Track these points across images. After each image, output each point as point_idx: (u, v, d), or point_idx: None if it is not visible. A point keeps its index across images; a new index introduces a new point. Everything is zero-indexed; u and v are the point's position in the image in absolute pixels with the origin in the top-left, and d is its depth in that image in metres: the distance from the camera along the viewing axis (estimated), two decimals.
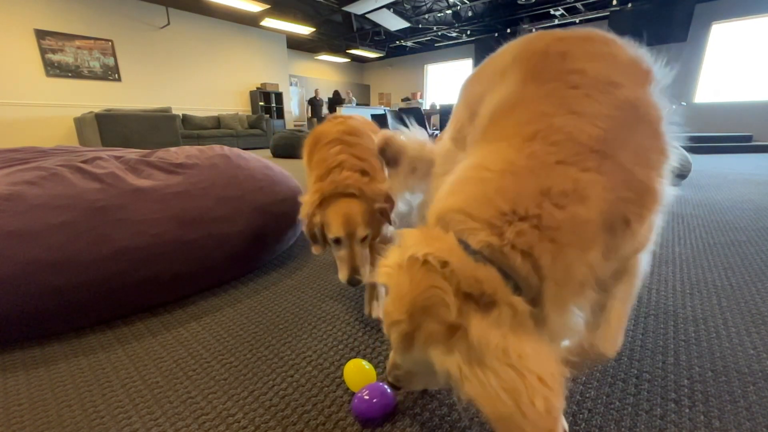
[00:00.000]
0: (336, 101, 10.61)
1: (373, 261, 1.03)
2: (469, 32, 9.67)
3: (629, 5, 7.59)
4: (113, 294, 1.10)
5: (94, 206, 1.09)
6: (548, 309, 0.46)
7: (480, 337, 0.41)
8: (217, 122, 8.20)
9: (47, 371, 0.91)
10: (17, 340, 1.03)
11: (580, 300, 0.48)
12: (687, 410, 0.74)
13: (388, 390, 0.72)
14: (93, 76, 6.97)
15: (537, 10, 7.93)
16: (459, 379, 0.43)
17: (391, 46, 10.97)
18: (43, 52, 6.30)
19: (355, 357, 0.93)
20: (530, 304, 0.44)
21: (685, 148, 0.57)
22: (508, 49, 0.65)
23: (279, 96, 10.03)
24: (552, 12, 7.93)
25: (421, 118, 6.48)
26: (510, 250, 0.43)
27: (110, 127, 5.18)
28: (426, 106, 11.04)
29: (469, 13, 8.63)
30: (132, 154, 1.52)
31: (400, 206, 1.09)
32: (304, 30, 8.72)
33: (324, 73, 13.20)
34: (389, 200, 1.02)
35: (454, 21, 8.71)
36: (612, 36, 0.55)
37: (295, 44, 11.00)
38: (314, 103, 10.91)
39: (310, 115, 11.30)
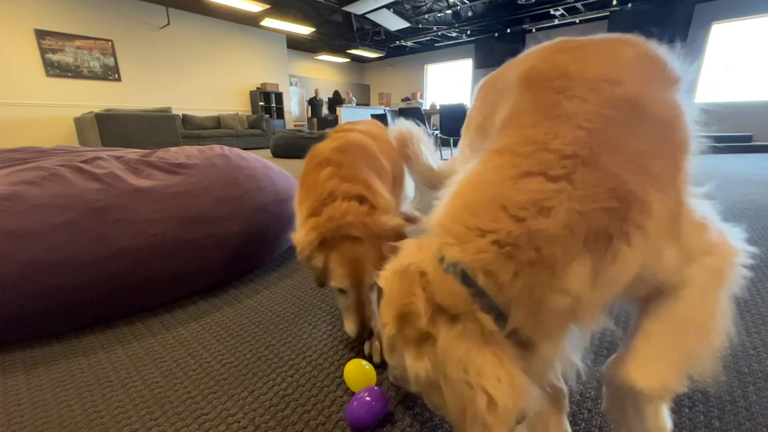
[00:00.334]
0: (336, 101, 10.60)
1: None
2: (469, 32, 9.66)
3: (629, 5, 7.59)
4: (113, 294, 1.10)
5: (94, 206, 1.09)
6: (530, 334, 0.43)
7: (445, 348, 0.42)
8: (217, 122, 8.20)
9: (47, 371, 0.91)
10: (17, 340, 1.03)
11: (573, 328, 0.44)
12: (687, 410, 0.74)
13: (381, 396, 0.72)
14: (93, 76, 6.97)
15: (537, 10, 7.93)
16: (425, 385, 0.45)
17: (391, 46, 10.96)
18: (43, 52, 6.29)
19: (355, 357, 0.93)
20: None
21: None
22: (525, 55, 0.63)
23: (279, 96, 10.03)
24: (552, 12, 7.93)
25: (421, 118, 6.48)
26: (474, 267, 0.42)
27: (110, 127, 5.18)
28: (426, 106, 11.03)
29: (469, 13, 8.63)
30: (132, 154, 1.51)
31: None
32: (304, 30, 8.71)
33: (324, 73, 13.19)
34: (399, 236, 0.88)
35: (454, 21, 8.70)
36: (634, 38, 0.50)
37: (295, 44, 11.00)
38: (314, 103, 10.92)
39: (310, 115, 11.31)
